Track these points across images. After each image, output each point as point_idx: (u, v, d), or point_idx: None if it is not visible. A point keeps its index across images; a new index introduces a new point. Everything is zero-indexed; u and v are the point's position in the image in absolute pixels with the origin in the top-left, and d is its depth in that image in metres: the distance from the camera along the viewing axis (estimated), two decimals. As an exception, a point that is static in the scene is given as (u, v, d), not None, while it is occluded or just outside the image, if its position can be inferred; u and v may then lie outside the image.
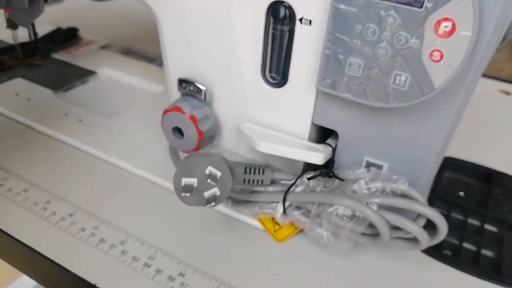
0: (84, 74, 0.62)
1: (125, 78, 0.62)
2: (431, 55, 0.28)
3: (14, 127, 0.51)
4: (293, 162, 0.39)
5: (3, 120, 0.52)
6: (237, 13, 0.35)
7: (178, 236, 0.39)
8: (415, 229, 0.32)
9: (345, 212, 0.34)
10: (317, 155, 0.36)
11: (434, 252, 0.39)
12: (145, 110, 0.55)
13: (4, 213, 0.40)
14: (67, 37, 0.70)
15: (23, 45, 0.64)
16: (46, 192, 0.42)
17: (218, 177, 0.33)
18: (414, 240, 0.35)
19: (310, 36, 0.33)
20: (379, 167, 0.36)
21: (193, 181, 0.33)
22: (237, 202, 0.39)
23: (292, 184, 0.37)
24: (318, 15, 0.32)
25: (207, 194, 0.34)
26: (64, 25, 0.72)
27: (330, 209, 0.34)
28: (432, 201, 0.44)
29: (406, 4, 0.28)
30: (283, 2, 0.33)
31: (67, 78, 0.60)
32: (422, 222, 0.34)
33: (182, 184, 0.33)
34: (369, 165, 0.37)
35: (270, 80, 0.38)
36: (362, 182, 0.34)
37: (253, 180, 0.37)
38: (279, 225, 0.39)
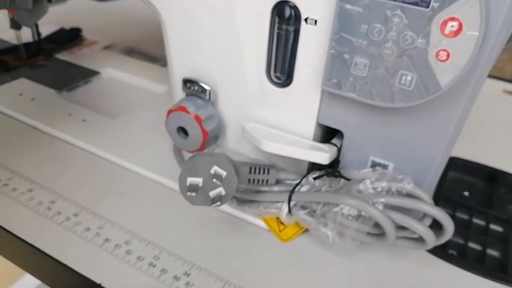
0: (87, 74, 0.62)
1: (128, 78, 0.62)
2: (437, 54, 0.28)
3: (18, 127, 0.51)
4: (297, 162, 0.39)
5: (7, 120, 0.52)
6: (242, 13, 0.35)
7: (183, 235, 0.39)
8: (421, 229, 0.32)
9: (350, 212, 0.34)
10: (323, 155, 0.36)
11: (440, 251, 0.38)
12: (149, 110, 0.55)
13: (9, 212, 0.40)
14: (70, 37, 0.70)
15: (26, 45, 0.64)
16: (51, 192, 0.42)
17: (224, 176, 0.33)
18: (419, 239, 0.35)
19: (316, 36, 0.33)
20: (385, 166, 0.36)
21: (199, 180, 0.33)
22: (241, 201, 0.39)
23: (297, 184, 0.37)
24: (323, 15, 0.32)
25: (212, 193, 0.34)
26: (67, 25, 0.72)
27: (336, 209, 0.34)
28: (436, 201, 0.44)
29: (412, 4, 0.28)
30: (288, 2, 0.33)
31: (70, 78, 0.61)
32: (428, 221, 0.34)
33: (188, 184, 0.33)
34: (374, 164, 0.37)
35: (275, 79, 0.38)
36: (367, 182, 0.34)
37: (258, 180, 0.37)
38: (283, 224, 0.39)
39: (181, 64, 0.41)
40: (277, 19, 0.35)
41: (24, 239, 0.38)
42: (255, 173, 0.37)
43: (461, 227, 0.41)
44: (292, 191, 0.36)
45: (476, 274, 0.37)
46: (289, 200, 0.36)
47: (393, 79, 0.30)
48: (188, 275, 0.35)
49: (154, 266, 0.36)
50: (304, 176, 0.37)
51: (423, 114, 0.32)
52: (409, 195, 0.34)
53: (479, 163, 0.49)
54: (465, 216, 0.43)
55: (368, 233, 0.35)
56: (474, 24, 0.26)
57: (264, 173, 0.37)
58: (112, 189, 0.43)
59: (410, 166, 0.35)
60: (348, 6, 0.30)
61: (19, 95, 0.56)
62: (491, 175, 0.48)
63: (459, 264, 0.38)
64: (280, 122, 0.39)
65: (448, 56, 0.28)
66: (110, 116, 0.53)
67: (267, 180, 0.37)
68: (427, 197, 0.33)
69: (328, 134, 0.39)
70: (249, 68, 0.38)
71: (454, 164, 0.49)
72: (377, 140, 0.35)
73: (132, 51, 0.69)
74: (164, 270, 0.36)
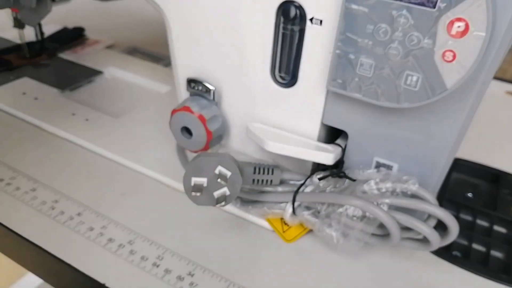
0: (90, 74, 0.62)
1: (131, 78, 0.62)
2: (443, 55, 0.28)
3: (21, 126, 0.51)
4: (301, 162, 0.39)
5: (10, 119, 0.52)
6: (247, 13, 0.35)
7: (186, 236, 0.39)
8: (426, 230, 0.32)
9: (355, 213, 0.34)
10: (327, 156, 0.36)
11: (444, 253, 0.38)
12: (152, 110, 0.55)
13: (12, 212, 0.40)
14: (73, 36, 0.70)
15: (29, 44, 0.64)
16: (54, 191, 0.42)
17: (228, 176, 0.33)
18: (424, 241, 0.35)
19: (321, 36, 0.33)
20: (389, 167, 0.36)
21: (203, 180, 0.33)
22: (245, 202, 0.39)
23: (302, 184, 0.37)
24: (329, 15, 0.32)
25: (216, 193, 0.34)
26: (70, 24, 0.72)
27: (340, 210, 0.34)
28: (440, 202, 0.43)
29: (418, 4, 0.27)
30: (293, 1, 0.33)
31: (73, 77, 0.61)
32: (432, 223, 0.34)
33: (192, 184, 0.33)
34: (379, 165, 0.37)
35: (280, 80, 0.38)
36: (372, 182, 0.34)
37: (262, 180, 0.37)
38: (287, 225, 0.39)
39: (185, 63, 0.41)
40: (282, 19, 0.35)
41: (27, 238, 0.37)
42: (259, 173, 0.37)
43: (465, 229, 0.41)
44: (296, 192, 0.36)
45: (480, 275, 0.37)
46: (293, 200, 0.36)
47: (399, 80, 0.30)
48: (192, 275, 0.35)
49: (158, 266, 0.36)
50: (309, 177, 0.37)
51: (429, 114, 0.32)
52: (413, 196, 0.34)
53: (482, 164, 0.49)
54: (469, 218, 0.43)
55: (373, 234, 0.35)
56: (481, 24, 0.26)
57: (268, 173, 0.37)
58: (116, 188, 0.43)
59: (415, 167, 0.35)
60: (354, 6, 0.30)
61: (22, 94, 0.56)
62: (495, 177, 0.48)
63: (463, 265, 0.38)
64: (285, 123, 0.39)
65: (454, 56, 0.28)
66: (113, 116, 0.53)
67: (271, 181, 0.37)
68: (432, 198, 0.33)
69: (332, 135, 0.39)
70: (254, 68, 0.38)
71: (457, 165, 0.49)
72: (382, 141, 0.35)
73: (135, 51, 0.69)
74: (168, 270, 0.36)
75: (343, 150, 0.38)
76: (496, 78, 0.70)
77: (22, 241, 0.38)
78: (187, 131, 0.42)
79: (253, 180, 0.37)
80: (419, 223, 0.32)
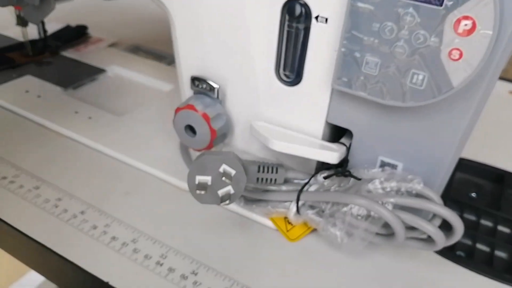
0: (93, 72, 0.62)
1: (134, 76, 0.62)
2: (450, 53, 0.28)
3: (24, 124, 0.51)
4: (306, 161, 0.39)
5: (13, 117, 0.52)
6: (252, 11, 0.35)
7: (190, 234, 0.39)
8: (431, 229, 0.32)
9: (359, 212, 0.34)
10: (332, 154, 0.36)
11: (448, 253, 0.38)
12: (155, 108, 0.55)
13: (16, 210, 0.40)
14: (76, 35, 0.70)
15: (32, 42, 0.64)
16: (57, 189, 0.42)
17: (233, 175, 0.33)
18: (428, 240, 0.34)
19: (326, 34, 0.33)
20: (394, 166, 0.36)
21: (207, 179, 0.33)
22: (249, 201, 0.39)
23: (306, 183, 0.37)
24: (334, 13, 0.32)
25: (221, 192, 0.34)
26: (73, 22, 0.72)
27: (345, 209, 0.34)
28: (444, 202, 0.43)
29: (425, 2, 0.27)
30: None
31: (76, 75, 0.60)
32: (437, 222, 0.34)
33: (196, 182, 0.33)
34: (383, 164, 0.36)
35: (284, 78, 0.37)
36: (377, 181, 0.34)
37: (266, 179, 0.37)
38: (291, 224, 0.39)
39: (189, 62, 0.41)
40: (287, 17, 0.34)
41: (31, 236, 0.37)
42: (263, 172, 0.36)
43: (469, 229, 0.41)
44: (300, 191, 0.36)
45: (484, 275, 0.37)
46: (298, 199, 0.36)
47: (405, 78, 0.30)
48: (196, 274, 0.35)
49: (161, 264, 0.36)
50: (313, 176, 0.37)
51: (434, 113, 0.32)
52: (418, 196, 0.34)
53: (486, 164, 0.49)
54: (473, 218, 0.43)
55: (377, 234, 0.35)
56: (488, 23, 0.26)
57: (272, 172, 0.37)
58: (119, 187, 0.43)
59: (419, 167, 0.35)
60: (359, 4, 0.29)
61: (25, 92, 0.56)
62: (499, 176, 0.48)
63: (467, 265, 0.38)
64: (289, 121, 0.39)
65: (461, 55, 0.28)
66: (116, 114, 0.53)
67: (275, 179, 0.37)
68: (437, 197, 0.33)
69: (336, 133, 0.39)
70: (258, 66, 0.38)
71: (461, 165, 0.48)
72: (387, 140, 0.35)
73: (138, 49, 0.69)
74: (172, 269, 0.35)
75: (348, 149, 0.37)
76: (499, 77, 0.70)
77: (26, 239, 0.38)
78: (191, 129, 0.41)
79: (257, 179, 0.37)
80: (424, 223, 0.32)
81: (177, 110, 0.41)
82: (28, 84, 0.58)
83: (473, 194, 0.46)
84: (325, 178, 0.36)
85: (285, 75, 0.37)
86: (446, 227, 0.33)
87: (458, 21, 0.27)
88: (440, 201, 0.33)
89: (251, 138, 0.41)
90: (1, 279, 1.08)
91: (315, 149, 0.36)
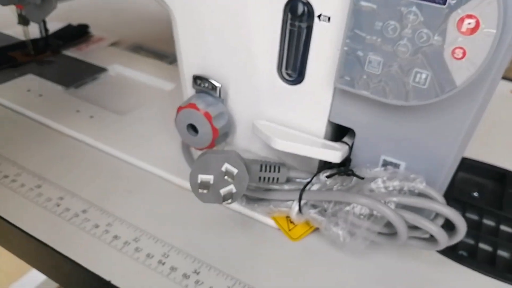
0: (95, 71, 0.62)
1: (135, 75, 0.62)
2: (453, 52, 0.28)
3: (26, 123, 0.51)
4: (308, 160, 0.39)
5: (15, 116, 0.52)
6: (254, 9, 0.35)
7: (191, 234, 0.39)
8: (434, 228, 0.32)
9: (362, 211, 0.33)
10: (334, 154, 0.36)
11: (450, 252, 0.38)
12: (156, 107, 0.55)
13: (17, 208, 0.40)
14: (77, 34, 0.70)
15: (34, 41, 0.64)
16: (59, 188, 0.42)
17: (235, 174, 0.33)
18: (431, 240, 0.34)
19: (329, 33, 0.33)
20: (396, 166, 0.36)
21: (210, 177, 0.33)
22: (251, 200, 0.39)
23: (308, 182, 0.37)
24: (337, 12, 0.32)
25: (223, 191, 0.34)
26: (75, 21, 0.72)
27: (347, 208, 0.34)
28: (446, 201, 0.43)
29: (428, 0, 0.27)
30: (301, -2, 0.33)
31: (78, 74, 0.60)
32: (440, 221, 0.33)
33: (199, 181, 0.33)
34: (386, 163, 0.36)
35: (286, 77, 0.37)
36: (379, 181, 0.34)
37: (269, 178, 0.37)
38: (293, 223, 0.39)
39: (191, 60, 0.41)
40: (289, 16, 0.34)
41: (32, 235, 0.37)
42: (265, 171, 0.36)
43: (471, 228, 0.41)
44: (303, 190, 0.36)
45: (487, 275, 0.37)
46: (300, 198, 0.36)
47: (407, 77, 0.30)
48: (198, 273, 0.35)
49: (163, 264, 0.36)
50: (315, 175, 0.37)
51: (437, 112, 0.32)
52: (421, 195, 0.34)
53: (488, 163, 0.49)
54: (475, 217, 0.43)
55: (379, 233, 0.34)
56: (491, 21, 0.26)
57: (274, 171, 0.37)
58: (121, 186, 0.43)
59: (422, 166, 0.35)
60: (362, 3, 0.29)
61: (27, 91, 0.56)
62: (501, 176, 0.48)
63: (470, 265, 0.38)
64: (291, 120, 0.39)
65: (464, 54, 0.28)
66: (117, 113, 0.53)
67: (277, 178, 0.37)
68: (440, 196, 0.33)
69: (338, 132, 0.39)
70: (261, 65, 0.37)
71: (464, 164, 0.48)
72: (390, 139, 0.35)
73: (139, 48, 0.69)
74: (174, 268, 0.35)
75: (350, 148, 0.37)
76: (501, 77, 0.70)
77: (27, 237, 0.38)
78: (192, 128, 0.41)
79: (260, 178, 0.36)
80: (427, 222, 0.32)
81: (179, 109, 0.41)
82: (29, 83, 0.58)
83: (475, 194, 0.46)
84: (328, 177, 0.36)
85: (288, 74, 0.37)
86: (448, 226, 0.33)
87: (462, 19, 0.27)
88: (443, 200, 0.33)
89: (253, 137, 0.41)
90: (2, 278, 1.09)
91: (317, 148, 0.36)
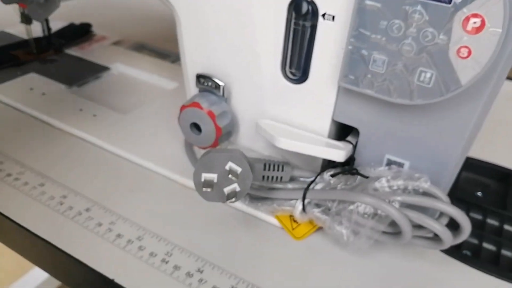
0: (97, 70, 0.62)
1: (138, 74, 0.62)
2: (458, 51, 0.28)
3: (29, 121, 0.51)
4: (311, 159, 0.39)
5: (18, 115, 0.52)
6: (259, 8, 0.35)
7: (195, 232, 0.39)
8: (439, 228, 0.32)
9: (366, 210, 0.33)
10: (338, 153, 0.36)
11: (454, 252, 0.38)
12: (159, 106, 0.55)
13: (21, 206, 0.40)
14: (80, 32, 0.70)
15: (36, 40, 0.64)
16: (62, 186, 0.42)
17: (239, 172, 0.33)
18: (435, 239, 0.34)
19: (333, 32, 0.33)
20: (400, 165, 0.36)
21: (213, 176, 0.33)
22: (254, 199, 0.39)
23: (312, 181, 0.36)
24: (341, 11, 0.32)
25: (227, 190, 0.33)
26: (77, 20, 0.72)
27: (351, 207, 0.34)
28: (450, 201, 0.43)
29: (434, -1, 0.27)
30: (306, -3, 0.33)
31: (81, 73, 0.60)
32: (444, 221, 0.33)
33: (202, 180, 0.33)
34: (390, 163, 0.36)
35: (290, 76, 0.37)
36: (383, 180, 0.34)
37: (272, 177, 0.37)
38: (297, 222, 0.39)
39: (195, 59, 0.41)
40: (294, 15, 0.34)
41: (36, 233, 0.37)
42: (269, 170, 0.36)
43: (475, 228, 0.41)
44: (306, 189, 0.36)
45: (491, 274, 0.37)
46: (304, 197, 0.36)
47: (412, 76, 0.30)
48: (201, 272, 0.35)
49: (167, 262, 0.36)
50: (319, 174, 0.37)
51: (442, 112, 0.32)
52: (425, 194, 0.34)
53: (492, 163, 0.49)
54: (479, 217, 0.43)
55: (383, 232, 0.34)
56: (497, 20, 0.26)
57: (278, 170, 0.37)
58: (123, 184, 0.43)
59: (426, 165, 0.35)
60: (367, 2, 0.29)
61: (30, 90, 0.56)
62: (505, 176, 0.48)
63: (474, 264, 0.38)
64: (295, 119, 0.39)
65: (469, 53, 0.28)
66: (120, 112, 0.53)
67: (281, 177, 0.37)
68: (444, 196, 0.33)
69: (342, 131, 0.39)
70: (264, 64, 0.37)
71: (467, 164, 0.48)
72: (394, 138, 0.35)
73: (142, 47, 0.69)
74: (177, 267, 0.35)
75: (354, 147, 0.37)
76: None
77: (30, 236, 0.38)
78: (196, 127, 0.41)
79: (263, 177, 0.36)
80: (432, 221, 0.32)
81: (183, 107, 0.41)
82: (32, 82, 0.58)
83: (479, 193, 0.46)
84: (332, 176, 0.36)
85: (291, 73, 0.37)
86: (452, 226, 0.33)
87: (467, 18, 0.27)
88: (447, 199, 0.33)
89: (256, 136, 0.41)
90: (3, 277, 1.09)
91: (321, 147, 0.36)
